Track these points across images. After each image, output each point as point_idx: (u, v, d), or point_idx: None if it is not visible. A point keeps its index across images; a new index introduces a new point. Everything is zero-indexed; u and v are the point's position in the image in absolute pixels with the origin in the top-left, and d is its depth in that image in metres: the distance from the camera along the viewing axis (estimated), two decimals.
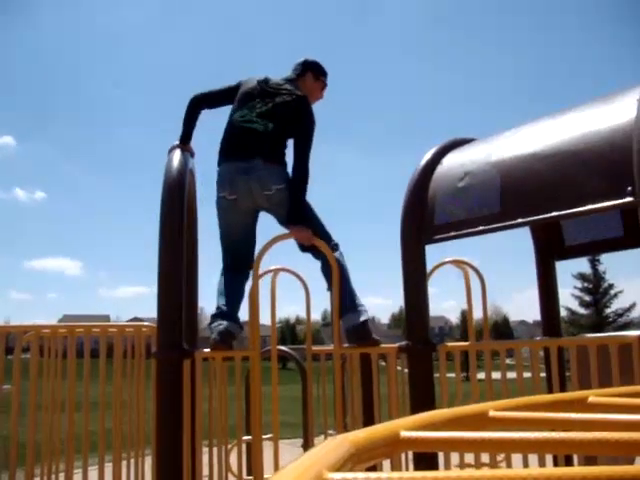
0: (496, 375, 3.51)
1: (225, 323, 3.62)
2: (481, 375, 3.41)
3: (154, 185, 3.49)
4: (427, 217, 3.34)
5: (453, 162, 3.43)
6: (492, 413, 1.21)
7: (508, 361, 4.29)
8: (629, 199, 2.51)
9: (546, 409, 1.33)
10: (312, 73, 4.14)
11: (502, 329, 70.65)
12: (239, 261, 3.91)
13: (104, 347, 4.19)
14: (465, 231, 3.15)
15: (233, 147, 3.90)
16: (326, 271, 3.80)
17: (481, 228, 3.06)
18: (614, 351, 2.80)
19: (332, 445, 0.92)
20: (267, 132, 3.85)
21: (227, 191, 3.82)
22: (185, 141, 3.91)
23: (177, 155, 3.61)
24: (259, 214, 3.98)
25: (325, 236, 3.85)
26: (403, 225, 3.43)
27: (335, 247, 3.87)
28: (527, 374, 3.37)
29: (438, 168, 3.46)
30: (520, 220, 2.91)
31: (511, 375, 3.37)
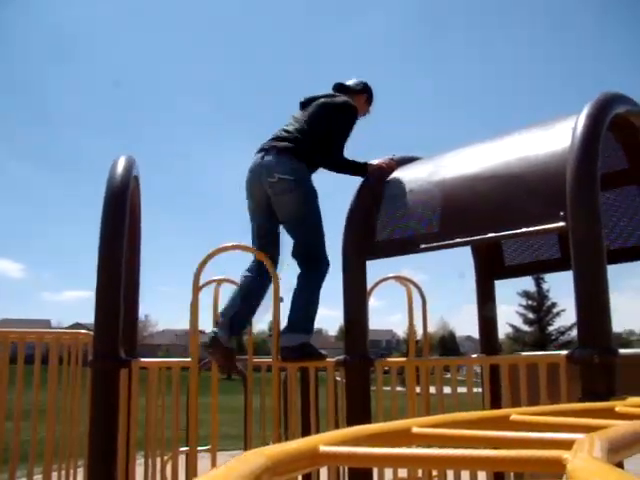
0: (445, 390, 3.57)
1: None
2: (432, 390, 3.47)
3: (102, 188, 3.44)
4: (369, 233, 3.38)
5: (397, 179, 3.49)
6: (415, 429, 1.24)
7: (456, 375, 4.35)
8: (561, 224, 2.60)
9: (470, 426, 1.36)
10: (367, 96, 4.40)
11: (449, 344, 71.48)
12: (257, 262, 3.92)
13: (39, 354, 4.09)
14: (406, 248, 3.20)
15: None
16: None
17: (422, 246, 3.12)
18: (543, 369, 2.88)
19: (247, 458, 0.93)
20: (294, 129, 3.99)
21: (246, 186, 4.00)
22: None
23: (122, 161, 3.57)
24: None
25: (318, 249, 3.87)
26: (345, 240, 3.47)
27: (321, 265, 3.88)
28: (475, 389, 3.43)
29: (383, 185, 3.52)
30: (459, 240, 2.98)
31: (460, 390, 3.43)
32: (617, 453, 0.95)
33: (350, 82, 4.39)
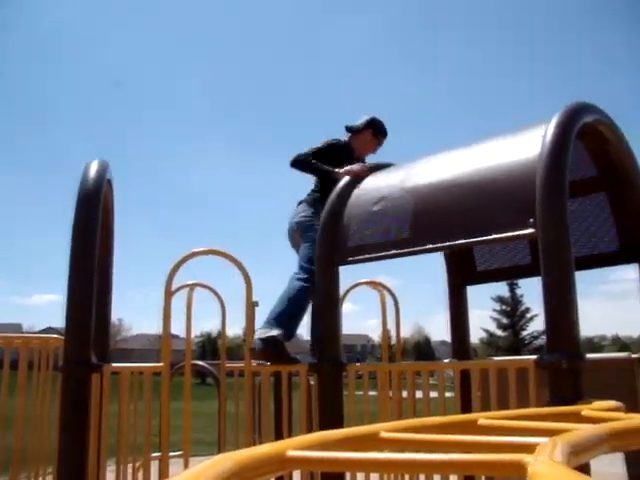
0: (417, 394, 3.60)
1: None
2: (404, 394, 3.50)
3: (74, 191, 3.42)
4: (341, 239, 3.40)
5: (370, 186, 3.52)
6: (383, 434, 1.25)
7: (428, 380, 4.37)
8: (531, 230, 2.65)
9: (438, 431, 1.38)
10: (372, 130, 4.68)
11: (424, 349, 71.74)
12: None
13: (8, 359, 4.05)
14: (377, 254, 3.22)
15: None
16: None
17: (393, 252, 3.15)
18: (512, 374, 2.91)
19: (215, 463, 0.93)
20: None
21: None
22: None
23: (95, 164, 3.55)
24: None
25: (306, 260, 4.06)
26: (319, 248, 3.48)
27: (308, 272, 4.02)
28: (448, 394, 3.45)
29: (355, 191, 3.54)
30: (430, 246, 3.01)
31: (434, 394, 3.46)
32: (578, 456, 0.97)
33: (357, 122, 4.72)
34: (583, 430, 1.10)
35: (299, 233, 4.31)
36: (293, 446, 1.02)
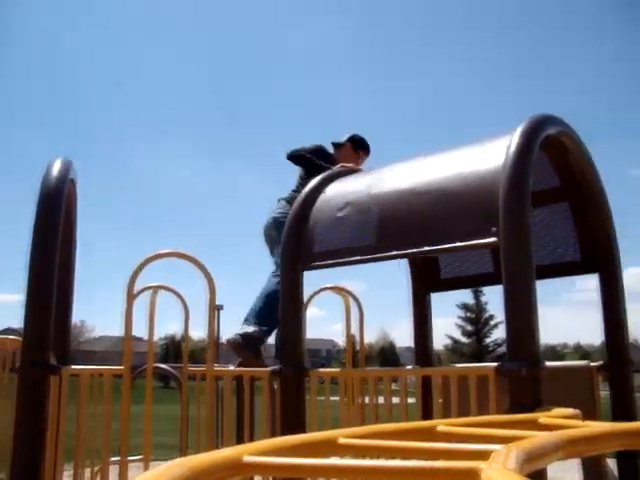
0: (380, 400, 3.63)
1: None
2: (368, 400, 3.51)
3: (36, 189, 3.37)
4: (306, 244, 3.40)
5: (335, 191, 3.52)
6: (342, 440, 1.25)
7: (393, 386, 4.40)
8: (493, 239, 2.68)
9: (397, 437, 1.39)
10: (352, 145, 4.91)
11: (389, 354, 72.11)
12: None
13: None
14: (342, 260, 3.23)
15: None
16: None
17: (357, 258, 3.16)
18: (472, 381, 2.93)
19: (168, 468, 0.92)
20: None
21: None
22: None
23: (57, 163, 3.50)
24: None
25: None
26: (282, 250, 3.48)
27: None
28: (411, 400, 3.47)
29: (321, 196, 3.54)
30: (394, 253, 3.03)
31: (397, 400, 3.47)
32: (532, 463, 0.99)
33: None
34: (538, 437, 1.12)
35: (274, 229, 4.41)
36: (250, 451, 1.02)
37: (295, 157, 4.62)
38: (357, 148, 4.92)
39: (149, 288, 4.14)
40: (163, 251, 3.68)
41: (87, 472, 3.77)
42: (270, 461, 0.96)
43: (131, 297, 3.48)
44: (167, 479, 0.84)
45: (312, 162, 4.52)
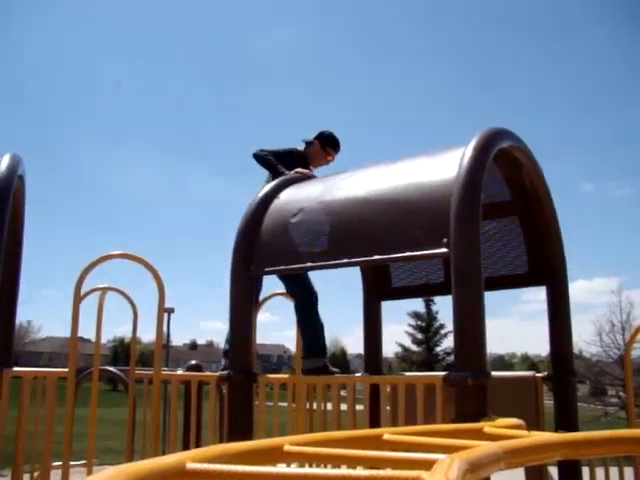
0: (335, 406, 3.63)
1: None
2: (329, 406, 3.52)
3: None
4: (258, 249, 3.38)
5: (290, 197, 3.51)
6: (287, 447, 1.24)
7: (342, 393, 4.41)
8: (444, 250, 2.71)
9: (343, 445, 1.38)
10: (320, 142, 4.93)
11: (340, 361, 72.31)
12: None
13: None
14: (293, 266, 3.22)
15: None
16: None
17: (309, 264, 3.16)
18: (420, 390, 2.96)
19: (107, 476, 0.90)
20: None
21: None
22: None
23: (6, 159, 3.41)
24: None
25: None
26: (234, 256, 3.44)
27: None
28: (358, 407, 3.48)
29: (275, 201, 3.53)
30: (345, 260, 3.03)
31: (345, 407, 3.47)
32: (474, 473, 1.00)
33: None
34: (480, 448, 1.13)
35: None
36: (193, 458, 1.00)
37: (258, 157, 4.63)
38: (325, 145, 4.95)
39: (97, 289, 4.07)
40: (113, 252, 3.62)
41: (26, 478, 3.68)
42: (213, 468, 0.95)
43: (78, 298, 3.41)
44: None
45: (272, 166, 4.55)
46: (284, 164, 4.53)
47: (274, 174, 4.47)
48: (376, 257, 2.94)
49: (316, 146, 4.93)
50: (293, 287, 4.42)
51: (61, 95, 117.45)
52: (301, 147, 4.96)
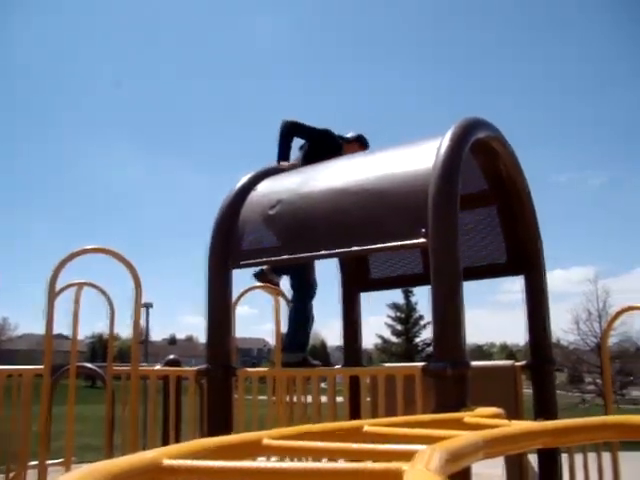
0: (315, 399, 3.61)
1: None
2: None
3: None
4: (235, 242, 3.35)
5: (267, 189, 3.49)
6: (266, 441, 1.22)
7: (323, 385, 4.41)
8: (422, 240, 2.70)
9: (322, 438, 1.36)
10: (359, 144, 4.86)
11: (320, 354, 72.51)
12: None
13: None
14: (271, 258, 3.20)
15: None
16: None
17: (286, 256, 3.14)
18: (400, 381, 2.95)
19: (80, 474, 0.87)
20: None
21: None
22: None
23: None
24: None
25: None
26: (211, 249, 3.41)
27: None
28: (339, 398, 3.47)
29: (252, 193, 3.50)
30: (323, 252, 3.02)
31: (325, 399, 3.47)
32: (455, 463, 0.98)
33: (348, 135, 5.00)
34: (461, 438, 1.12)
35: None
36: (170, 454, 0.98)
37: (282, 129, 4.52)
38: (363, 146, 4.92)
39: (73, 285, 4.02)
40: (88, 247, 3.57)
41: (2, 478, 3.63)
42: (191, 464, 0.93)
43: (53, 294, 3.36)
44: None
45: (280, 144, 4.45)
46: (319, 143, 4.55)
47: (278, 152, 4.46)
48: (354, 248, 2.93)
49: (355, 146, 4.86)
50: (293, 279, 4.43)
51: (42, 86, 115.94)
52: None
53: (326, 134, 4.68)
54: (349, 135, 4.99)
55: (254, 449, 1.18)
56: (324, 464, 0.89)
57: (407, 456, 0.92)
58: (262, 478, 0.91)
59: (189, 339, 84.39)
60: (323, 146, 4.51)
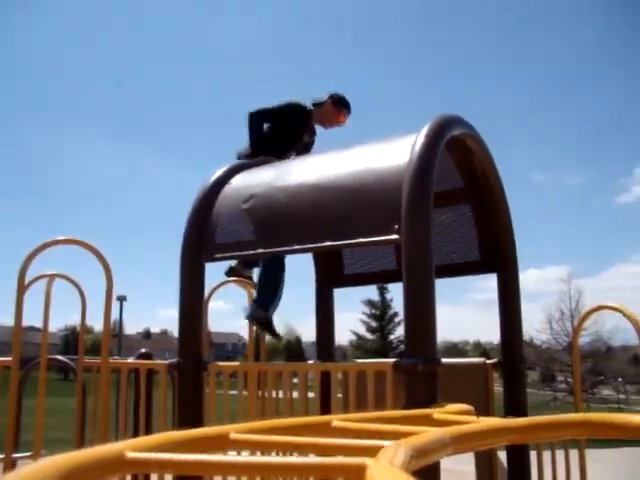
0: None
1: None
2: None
3: None
4: (209, 235, 3.33)
5: (241, 183, 3.46)
6: (233, 435, 1.21)
7: (295, 380, 4.40)
8: (395, 236, 2.70)
9: (290, 432, 1.36)
10: (332, 100, 4.77)
11: (295, 349, 72.57)
12: None
13: None
14: (245, 252, 3.18)
15: None
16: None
17: (260, 250, 3.12)
18: (370, 377, 2.95)
19: (40, 466, 0.85)
20: None
21: None
22: None
23: None
24: None
25: None
26: (184, 242, 3.38)
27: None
28: (310, 394, 3.46)
29: (226, 187, 3.47)
30: (296, 246, 3.01)
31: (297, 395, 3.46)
32: (420, 459, 0.98)
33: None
34: (427, 434, 1.12)
35: None
36: (133, 447, 0.96)
37: (251, 118, 4.46)
38: (337, 103, 4.81)
39: (44, 277, 3.96)
40: (59, 238, 3.52)
41: None
42: (154, 457, 0.91)
43: (22, 285, 3.31)
44: (37, 478, 0.78)
45: (252, 133, 4.42)
46: (282, 122, 4.47)
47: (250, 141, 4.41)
48: (327, 243, 2.92)
49: (328, 105, 4.77)
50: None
51: (12, 80, 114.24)
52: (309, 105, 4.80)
53: (288, 107, 4.59)
54: (321, 98, 4.87)
55: (221, 443, 1.17)
56: (288, 458, 0.88)
57: (373, 451, 0.92)
58: (224, 471, 0.90)
59: (164, 333, 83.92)
60: (287, 119, 4.47)
